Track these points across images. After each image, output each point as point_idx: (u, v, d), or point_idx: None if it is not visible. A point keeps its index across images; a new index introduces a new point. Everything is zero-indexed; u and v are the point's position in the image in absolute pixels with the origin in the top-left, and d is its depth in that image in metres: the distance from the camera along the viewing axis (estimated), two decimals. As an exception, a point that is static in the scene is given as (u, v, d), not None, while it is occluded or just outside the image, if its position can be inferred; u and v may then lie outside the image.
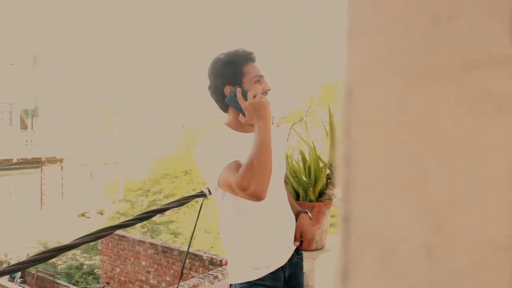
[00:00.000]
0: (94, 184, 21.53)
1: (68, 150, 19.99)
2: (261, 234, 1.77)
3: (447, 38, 0.19)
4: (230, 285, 1.82)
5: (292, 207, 1.95)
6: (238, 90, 1.69)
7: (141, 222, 2.30)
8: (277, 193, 1.82)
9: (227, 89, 1.73)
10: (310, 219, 1.96)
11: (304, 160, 2.57)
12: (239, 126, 1.77)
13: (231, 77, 1.73)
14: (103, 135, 22.28)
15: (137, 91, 23.37)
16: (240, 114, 1.71)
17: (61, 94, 19.72)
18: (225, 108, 1.80)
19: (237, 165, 1.59)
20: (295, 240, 1.87)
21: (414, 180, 0.21)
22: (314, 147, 2.54)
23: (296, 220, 1.93)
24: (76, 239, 1.95)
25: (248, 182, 1.52)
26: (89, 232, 2.04)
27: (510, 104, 0.16)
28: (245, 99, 1.67)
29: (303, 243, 1.89)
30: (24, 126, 19.65)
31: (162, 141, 21.39)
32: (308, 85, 21.83)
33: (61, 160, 20.35)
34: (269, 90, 1.74)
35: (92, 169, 21.77)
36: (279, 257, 1.80)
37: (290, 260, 1.85)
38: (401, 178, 0.22)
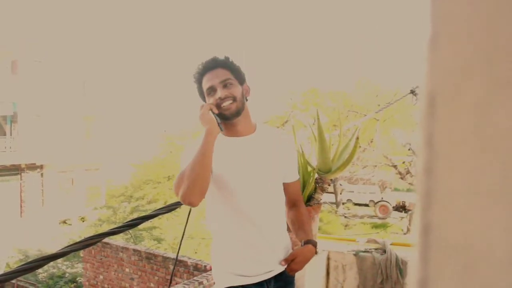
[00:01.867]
0: (75, 191, 21.26)
1: (48, 157, 19.71)
2: (239, 240, 1.75)
3: None
4: None
5: (303, 232, 1.84)
6: (200, 106, 1.77)
7: (130, 228, 2.26)
8: (262, 200, 1.76)
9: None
10: (316, 253, 1.82)
11: (292, 164, 2.57)
12: (228, 132, 1.77)
13: (200, 96, 1.82)
14: (84, 141, 22.03)
15: (118, 96, 23.20)
16: None
17: (41, 100, 19.47)
18: None
19: None
20: (284, 260, 1.78)
21: (502, 189, 0.20)
22: (303, 151, 2.54)
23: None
24: (64, 248, 1.91)
25: (177, 188, 1.57)
26: (77, 240, 2.01)
27: None
28: None
29: (288, 266, 1.78)
30: (2, 133, 19.32)
31: (143, 146, 21.26)
32: (289, 90, 21.92)
33: (41, 167, 20.05)
34: (219, 98, 1.73)
35: (73, 175, 21.50)
36: (262, 269, 1.76)
37: (279, 276, 1.80)
38: (488, 188, 0.21)
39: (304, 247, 1.78)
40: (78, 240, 2.05)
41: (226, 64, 1.77)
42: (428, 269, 0.23)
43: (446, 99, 0.23)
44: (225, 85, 1.74)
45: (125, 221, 2.45)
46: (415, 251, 0.24)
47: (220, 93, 1.73)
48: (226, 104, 1.72)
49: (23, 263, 1.88)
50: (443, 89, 0.23)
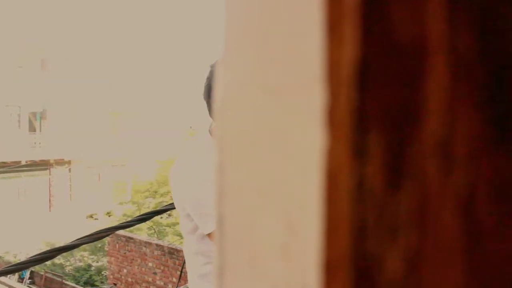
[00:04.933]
0: (102, 186, 21.65)
1: (76, 152, 20.13)
2: None
3: (291, 59, 0.21)
4: None
5: None
6: None
7: (140, 223, 2.34)
8: None
9: None
10: None
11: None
12: None
13: None
14: (110, 137, 22.40)
15: (145, 93, 23.50)
16: None
17: (69, 97, 19.88)
18: None
19: None
20: None
21: (270, 186, 0.23)
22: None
23: None
24: (75, 240, 1.99)
25: None
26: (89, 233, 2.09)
27: (322, 116, 0.19)
28: None
29: None
30: (32, 129, 19.81)
31: (169, 142, 21.47)
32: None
33: (69, 162, 20.49)
34: None
35: (100, 171, 21.90)
36: None
37: None
38: (260, 184, 0.23)
39: None
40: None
41: None
42: (224, 258, 0.26)
43: (231, 105, 0.25)
44: None
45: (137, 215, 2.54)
46: (215, 241, 0.27)
47: None
48: None
49: (35, 253, 1.97)
50: (230, 95, 0.26)
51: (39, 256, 1.86)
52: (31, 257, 1.83)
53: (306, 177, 0.21)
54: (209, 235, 1.39)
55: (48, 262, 11.13)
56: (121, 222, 13.66)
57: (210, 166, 1.40)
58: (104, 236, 2.02)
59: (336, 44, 0.19)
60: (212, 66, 1.48)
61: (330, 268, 0.19)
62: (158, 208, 2.31)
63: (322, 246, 0.19)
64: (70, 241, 1.99)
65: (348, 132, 0.19)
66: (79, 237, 2.03)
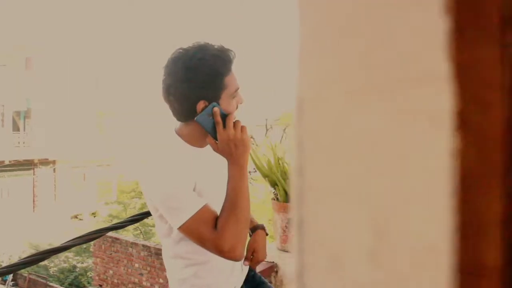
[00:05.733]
0: (87, 186, 21.45)
1: (61, 152, 19.90)
2: (216, 278, 1.51)
3: (386, 58, 0.21)
4: None
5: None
6: (216, 110, 1.33)
7: (131, 224, 2.31)
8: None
9: (200, 105, 1.34)
10: (267, 235, 1.68)
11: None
12: (194, 140, 1.44)
13: (211, 90, 1.34)
14: (96, 136, 22.20)
15: (131, 93, 23.35)
16: (210, 136, 1.37)
17: (54, 96, 19.66)
18: (185, 119, 1.42)
19: (212, 215, 1.33)
20: (246, 259, 1.59)
21: (357, 189, 0.22)
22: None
23: (251, 235, 1.67)
24: (66, 242, 1.95)
25: (230, 245, 1.29)
26: (80, 235, 2.05)
27: (441, 117, 0.18)
28: (224, 124, 1.34)
29: (252, 261, 1.63)
30: (16, 128, 19.54)
31: (155, 143, 21.34)
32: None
33: (53, 162, 20.25)
34: (241, 103, 1.42)
35: (85, 171, 21.68)
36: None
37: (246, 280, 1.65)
38: (346, 187, 0.23)
39: (254, 235, 1.66)
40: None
41: None
42: (302, 260, 0.26)
43: (312, 105, 0.25)
44: None
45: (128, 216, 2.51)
46: (293, 243, 0.26)
47: (243, 98, 1.43)
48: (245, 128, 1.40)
49: (25, 256, 1.92)
50: (309, 96, 0.25)
51: (30, 258, 1.80)
52: (22, 259, 1.78)
53: (414, 181, 0.20)
54: (179, 228, 1.33)
55: (32, 263, 11.00)
56: (106, 222, 13.56)
57: (177, 162, 1.38)
58: (96, 238, 1.97)
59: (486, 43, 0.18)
60: (165, 67, 1.40)
61: (475, 274, 0.19)
62: (147, 209, 2.27)
63: (460, 251, 0.19)
64: (62, 243, 1.94)
65: (501, 138, 0.19)
66: (64, 238, 1.99)
